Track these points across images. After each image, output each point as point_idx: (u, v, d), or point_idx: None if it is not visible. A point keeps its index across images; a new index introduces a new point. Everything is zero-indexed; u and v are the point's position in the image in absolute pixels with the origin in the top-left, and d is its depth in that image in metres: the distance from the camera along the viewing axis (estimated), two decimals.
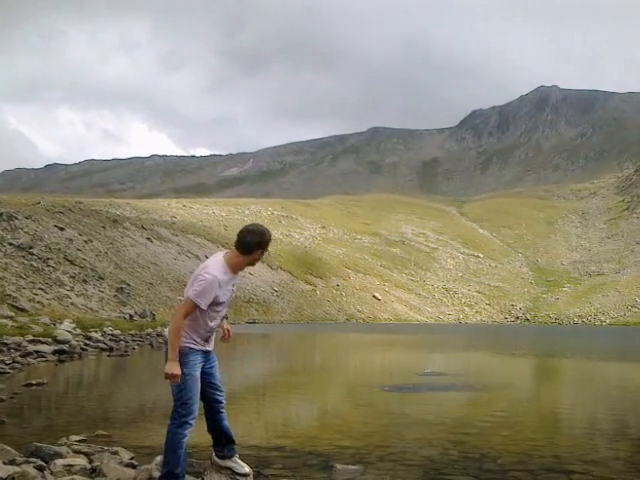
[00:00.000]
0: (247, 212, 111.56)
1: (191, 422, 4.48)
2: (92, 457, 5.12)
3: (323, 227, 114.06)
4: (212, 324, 4.57)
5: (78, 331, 20.77)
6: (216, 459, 4.87)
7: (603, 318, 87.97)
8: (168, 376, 4.36)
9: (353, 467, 5.20)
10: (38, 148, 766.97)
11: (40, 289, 31.61)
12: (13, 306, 24.75)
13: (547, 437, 6.91)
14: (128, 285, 44.10)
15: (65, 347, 16.87)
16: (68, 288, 35.19)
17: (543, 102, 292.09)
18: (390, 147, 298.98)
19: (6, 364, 12.99)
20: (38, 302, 29.10)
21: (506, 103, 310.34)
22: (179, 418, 4.46)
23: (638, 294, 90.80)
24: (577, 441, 6.69)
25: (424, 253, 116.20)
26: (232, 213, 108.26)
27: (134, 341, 22.69)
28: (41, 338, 17.27)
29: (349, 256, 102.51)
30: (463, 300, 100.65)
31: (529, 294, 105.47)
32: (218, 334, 4.81)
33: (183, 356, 4.43)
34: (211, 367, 4.72)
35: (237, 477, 4.76)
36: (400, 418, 8.16)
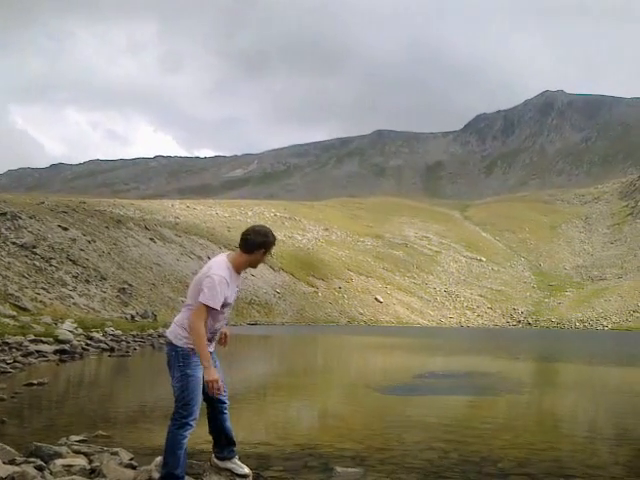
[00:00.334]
0: (250, 213, 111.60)
1: (192, 423, 4.49)
2: (92, 457, 5.12)
3: (326, 229, 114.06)
4: (217, 326, 4.60)
5: (80, 331, 20.79)
6: (215, 461, 4.87)
7: (605, 323, 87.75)
8: (212, 383, 4.38)
9: (353, 470, 5.19)
10: (44, 148, 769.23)
11: (42, 289, 31.66)
12: (15, 305, 24.80)
13: (547, 441, 6.89)
14: (130, 286, 44.14)
15: (66, 347, 16.88)
16: (70, 288, 35.24)
17: (548, 106, 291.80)
18: (394, 150, 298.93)
19: (7, 363, 13.01)
20: (40, 302, 29.15)
21: (511, 107, 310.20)
22: (180, 419, 4.46)
23: None
24: (577, 445, 6.68)
25: (427, 256, 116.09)
26: (235, 214, 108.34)
27: (135, 342, 22.71)
28: (42, 338, 17.29)
29: (352, 258, 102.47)
30: (465, 304, 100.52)
31: (531, 298, 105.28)
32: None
33: (186, 357, 4.46)
34: None
35: (236, 478, 4.76)
36: (400, 421, 8.15)
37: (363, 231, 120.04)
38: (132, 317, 34.10)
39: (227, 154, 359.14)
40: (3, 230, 38.63)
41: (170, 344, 4.58)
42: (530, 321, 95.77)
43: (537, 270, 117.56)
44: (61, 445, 5.48)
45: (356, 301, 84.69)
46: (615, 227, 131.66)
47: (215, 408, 4.81)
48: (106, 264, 45.77)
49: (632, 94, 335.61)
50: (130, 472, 4.72)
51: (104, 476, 4.59)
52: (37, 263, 35.49)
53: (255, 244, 4.64)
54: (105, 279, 41.44)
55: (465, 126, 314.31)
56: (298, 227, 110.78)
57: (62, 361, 15.21)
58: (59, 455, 5.06)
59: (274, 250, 4.97)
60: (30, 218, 44.01)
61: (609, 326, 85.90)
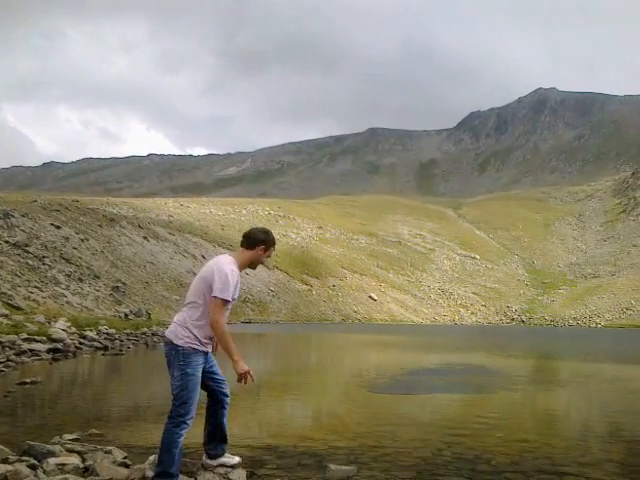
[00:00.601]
0: (244, 212, 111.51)
1: (188, 422, 4.51)
2: (85, 456, 5.11)
3: (320, 227, 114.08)
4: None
5: (73, 330, 20.71)
6: (207, 461, 4.89)
7: (598, 320, 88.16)
8: (246, 374, 4.51)
9: (347, 467, 5.19)
10: (36, 146, 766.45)
11: (36, 287, 31.53)
12: (8, 304, 24.68)
13: (541, 439, 6.91)
14: (124, 284, 44.01)
15: (60, 346, 16.82)
16: (64, 287, 35.11)
17: (541, 104, 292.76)
18: (388, 148, 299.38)
19: (0, 362, 12.95)
20: (33, 300, 29.03)
21: (504, 105, 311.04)
22: (177, 417, 4.48)
23: (633, 297, 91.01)
24: (571, 443, 6.70)
25: (420, 254, 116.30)
26: (229, 213, 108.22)
27: (129, 340, 22.64)
28: (36, 336, 17.21)
29: (345, 256, 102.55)
30: (459, 301, 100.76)
31: (525, 296, 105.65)
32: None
33: (186, 356, 4.50)
34: (212, 366, 4.83)
35: (229, 476, 4.76)
36: (394, 419, 8.17)
37: (357, 229, 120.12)
38: (126, 315, 34.00)
39: (220, 152, 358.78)
40: None
41: (170, 343, 4.59)
42: (524, 319, 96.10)
43: (530, 268, 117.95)
44: (54, 444, 5.46)
45: (350, 299, 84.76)
46: (608, 225, 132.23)
47: (219, 401, 4.87)
48: (99, 262, 45.63)
49: (625, 92, 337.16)
50: (123, 471, 4.71)
51: (97, 475, 4.58)
52: (30, 262, 35.34)
53: (256, 240, 4.77)
54: (98, 277, 41.31)
55: (458, 124, 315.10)
56: (292, 225, 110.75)
57: (55, 360, 15.16)
58: (52, 454, 5.04)
59: (273, 254, 5.03)
60: (23, 216, 43.82)
61: (602, 323, 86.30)
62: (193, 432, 6.63)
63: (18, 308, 24.93)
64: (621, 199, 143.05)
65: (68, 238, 45.75)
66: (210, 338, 4.61)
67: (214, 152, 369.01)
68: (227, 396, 4.90)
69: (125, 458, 5.16)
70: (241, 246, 4.82)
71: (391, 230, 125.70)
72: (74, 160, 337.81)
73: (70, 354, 16.62)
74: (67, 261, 40.32)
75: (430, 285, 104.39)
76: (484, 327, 79.32)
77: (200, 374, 4.56)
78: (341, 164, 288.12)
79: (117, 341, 21.43)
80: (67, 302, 32.64)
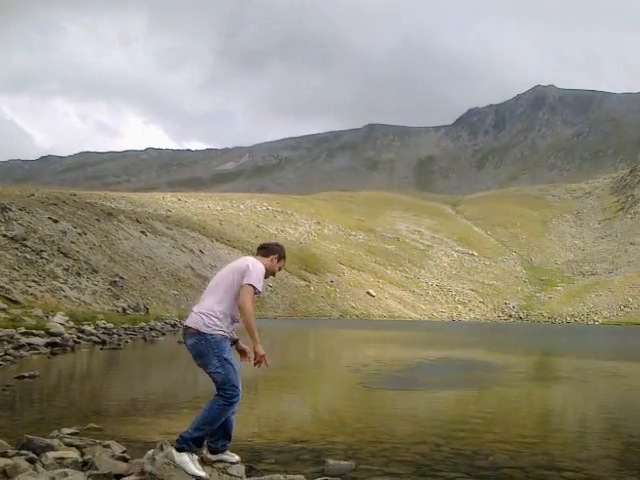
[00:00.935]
0: (242, 207, 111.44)
1: (238, 401, 4.76)
2: (84, 450, 5.11)
3: (318, 223, 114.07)
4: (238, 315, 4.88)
5: (71, 324, 20.72)
6: (208, 455, 4.90)
7: (596, 317, 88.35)
8: (262, 357, 4.77)
9: (345, 463, 5.20)
10: (33, 139, 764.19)
11: (33, 281, 31.50)
12: (6, 298, 24.66)
13: (539, 434, 6.93)
14: (122, 278, 43.98)
15: (58, 340, 16.82)
16: (61, 281, 35.08)
17: (540, 101, 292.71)
18: (386, 144, 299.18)
19: None
20: (31, 294, 29.00)
21: (503, 102, 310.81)
22: (229, 399, 4.69)
23: (631, 294, 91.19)
24: (568, 439, 6.72)
25: (419, 250, 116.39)
26: (227, 207, 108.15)
27: (127, 334, 22.66)
28: (34, 331, 17.22)
29: (343, 252, 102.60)
30: (457, 298, 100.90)
31: (522, 293, 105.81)
32: None
33: (219, 343, 4.71)
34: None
35: (228, 470, 4.77)
36: (392, 415, 8.18)
37: (355, 225, 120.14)
38: (124, 310, 33.99)
39: (218, 147, 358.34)
40: None
41: (198, 333, 4.71)
42: (521, 315, 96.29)
43: (528, 265, 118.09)
44: (53, 438, 5.46)
45: (348, 295, 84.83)
46: (606, 222, 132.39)
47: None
48: (97, 257, 45.58)
49: (623, 89, 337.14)
50: (122, 465, 4.70)
51: (96, 469, 4.58)
52: (28, 256, 35.30)
53: (272, 249, 5.17)
54: (96, 272, 41.28)
55: (457, 121, 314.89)
56: (290, 221, 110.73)
57: (53, 354, 15.16)
58: (51, 448, 5.04)
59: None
60: (20, 210, 43.75)
61: (600, 321, 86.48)
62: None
63: (16, 302, 24.92)
64: (619, 197, 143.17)
65: (66, 232, 45.69)
66: (233, 325, 4.87)
67: (212, 147, 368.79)
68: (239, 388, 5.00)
69: (124, 452, 5.15)
70: (257, 254, 5.15)
71: (389, 226, 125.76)
72: (72, 154, 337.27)
73: (68, 348, 16.62)
74: (65, 255, 40.28)
75: (428, 281, 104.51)
76: (482, 324, 79.46)
77: (233, 358, 4.80)
78: (339, 160, 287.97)
79: (115, 335, 21.44)
80: (65, 296, 32.62)
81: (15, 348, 14.59)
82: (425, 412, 8.51)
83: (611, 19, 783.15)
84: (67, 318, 21.67)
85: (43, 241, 40.22)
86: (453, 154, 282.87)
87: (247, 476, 4.77)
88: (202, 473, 4.55)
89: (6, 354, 13.46)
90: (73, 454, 4.93)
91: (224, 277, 4.86)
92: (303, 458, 5.48)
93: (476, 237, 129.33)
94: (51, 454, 4.83)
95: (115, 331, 22.46)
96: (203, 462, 4.84)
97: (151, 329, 26.55)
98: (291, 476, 4.65)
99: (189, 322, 4.80)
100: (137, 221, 65.08)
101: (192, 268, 60.28)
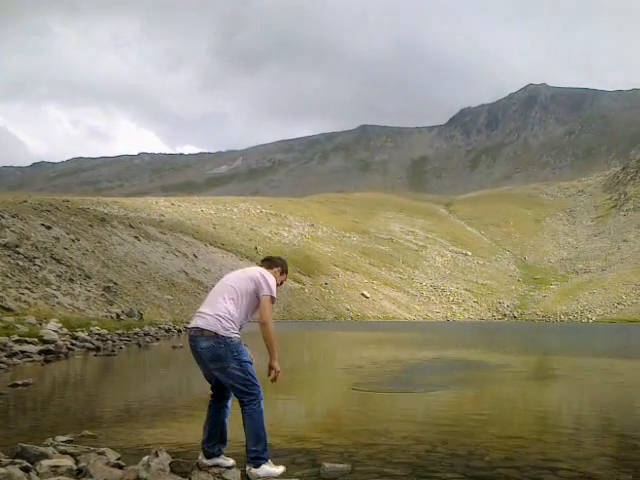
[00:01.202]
0: (236, 210, 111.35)
1: (262, 396, 4.93)
2: (78, 458, 5.08)
3: (312, 225, 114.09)
4: (249, 317, 5.06)
5: (64, 331, 20.62)
6: (203, 461, 4.90)
7: (590, 315, 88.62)
8: (278, 373, 5.01)
9: (341, 465, 5.20)
10: (26, 146, 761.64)
11: (26, 288, 31.35)
12: None
13: (534, 434, 6.94)
14: (115, 284, 43.84)
15: (51, 347, 16.73)
16: (55, 287, 34.92)
17: (532, 100, 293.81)
18: (379, 145, 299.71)
19: None
20: (24, 301, 28.87)
21: (495, 101, 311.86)
22: (255, 398, 4.82)
23: (624, 291, 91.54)
24: (563, 438, 6.73)
25: (413, 251, 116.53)
26: (220, 211, 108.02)
27: (121, 340, 22.57)
28: (27, 338, 17.12)
29: (338, 254, 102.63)
30: (451, 298, 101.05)
31: (516, 292, 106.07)
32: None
33: (237, 346, 4.79)
34: None
35: (223, 476, 4.77)
36: (388, 416, 8.18)
37: (349, 226, 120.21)
38: (117, 316, 33.87)
39: (211, 150, 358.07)
40: None
41: (216, 336, 4.73)
42: (515, 314, 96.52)
43: (522, 263, 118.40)
44: (47, 446, 5.43)
45: (343, 297, 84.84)
46: (599, 220, 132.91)
47: (223, 398, 5.02)
48: (90, 263, 45.43)
49: (615, 87, 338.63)
50: (117, 472, 4.69)
51: (91, 476, 4.56)
52: (20, 262, 35.14)
53: (275, 262, 5.31)
54: (90, 278, 41.13)
55: (449, 120, 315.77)
56: (284, 223, 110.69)
57: (47, 361, 15.09)
58: (45, 456, 5.01)
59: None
60: (13, 217, 43.57)
61: (594, 318, 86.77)
62: (186, 432, 6.62)
63: (9, 309, 24.78)
64: (612, 194, 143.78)
65: (59, 238, 45.53)
66: (240, 328, 4.99)
67: (205, 150, 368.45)
68: (230, 395, 5.06)
69: (119, 459, 5.13)
70: (262, 265, 5.29)
71: (383, 227, 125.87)
72: (64, 160, 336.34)
73: (62, 355, 16.54)
74: (58, 262, 40.12)
75: (422, 282, 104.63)
76: (476, 323, 79.57)
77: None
78: (333, 161, 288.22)
79: (109, 342, 21.34)
80: (58, 303, 32.48)
81: (8, 356, 14.51)
82: (421, 413, 8.51)
83: (604, 17, 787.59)
84: (60, 325, 21.57)
85: (36, 248, 40.06)
86: (446, 154, 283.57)
87: None
88: (281, 468, 4.86)
89: None
90: (67, 462, 4.90)
91: (240, 283, 4.93)
92: (299, 461, 5.46)
93: (470, 237, 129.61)
94: (45, 462, 4.80)
95: (109, 337, 22.36)
96: (198, 467, 4.83)
97: (145, 334, 26.47)
98: None
99: (204, 325, 4.78)
100: (130, 226, 64.92)
101: (186, 272, 60.16)
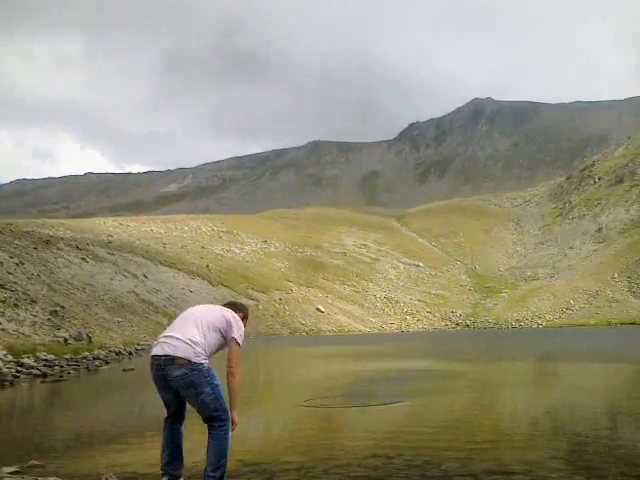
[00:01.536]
0: (186, 228, 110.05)
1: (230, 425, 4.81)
2: None
3: (264, 241, 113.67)
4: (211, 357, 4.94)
5: (9, 358, 19.87)
6: None
7: (540, 321, 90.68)
8: (236, 426, 4.83)
9: None
10: None
11: None
12: None
13: (488, 440, 7.01)
14: (62, 308, 42.60)
15: None
16: None
17: (478, 114, 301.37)
18: (330, 160, 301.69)
19: None
20: None
21: (443, 115, 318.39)
22: (225, 423, 4.68)
23: (572, 297, 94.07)
24: (517, 442, 6.82)
25: (366, 264, 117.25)
26: (171, 230, 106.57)
27: (69, 365, 21.89)
28: None
29: (291, 269, 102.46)
30: (405, 309, 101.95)
31: (468, 300, 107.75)
32: None
33: (209, 371, 4.70)
34: None
35: None
36: (345, 430, 8.14)
37: (302, 242, 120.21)
38: (65, 340, 32.82)
39: (160, 169, 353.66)
40: None
41: (189, 363, 4.60)
42: (468, 323, 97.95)
43: (473, 273, 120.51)
44: None
45: (297, 312, 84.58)
46: (546, 228, 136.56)
47: (180, 420, 4.90)
48: (36, 287, 44.06)
49: (557, 100, 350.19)
50: None
51: None
52: None
53: (239, 308, 5.23)
54: (35, 302, 39.86)
55: (399, 135, 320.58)
56: (236, 240, 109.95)
57: None
58: None
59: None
60: None
61: (544, 324, 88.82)
62: (141, 457, 6.43)
63: None
64: (557, 203, 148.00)
65: (2, 262, 44.05)
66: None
67: (153, 169, 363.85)
68: (184, 418, 5.02)
69: None
70: (230, 307, 5.19)
71: (336, 242, 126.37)
72: (7, 182, 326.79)
73: (7, 383, 15.94)
74: (1, 287, 38.76)
75: (376, 294, 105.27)
76: (429, 333, 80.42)
77: None
78: (284, 177, 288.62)
79: (57, 367, 20.68)
80: (2, 329, 31.34)
81: None
82: (377, 425, 8.50)
83: (545, 31, 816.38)
84: (5, 352, 20.78)
85: None
86: (396, 168, 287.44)
87: None
88: None
89: None
90: None
91: (210, 317, 4.82)
92: None
93: (421, 248, 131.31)
94: None
95: (57, 362, 21.66)
96: None
97: (94, 358, 25.78)
98: None
99: (174, 352, 4.58)
100: (77, 248, 63.37)
101: (136, 293, 59.00)
